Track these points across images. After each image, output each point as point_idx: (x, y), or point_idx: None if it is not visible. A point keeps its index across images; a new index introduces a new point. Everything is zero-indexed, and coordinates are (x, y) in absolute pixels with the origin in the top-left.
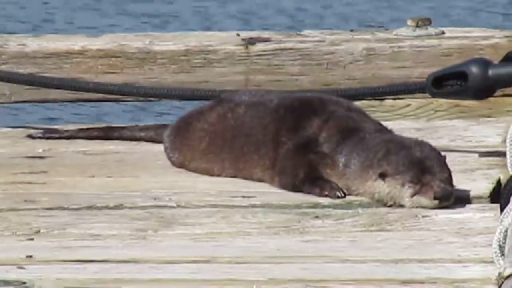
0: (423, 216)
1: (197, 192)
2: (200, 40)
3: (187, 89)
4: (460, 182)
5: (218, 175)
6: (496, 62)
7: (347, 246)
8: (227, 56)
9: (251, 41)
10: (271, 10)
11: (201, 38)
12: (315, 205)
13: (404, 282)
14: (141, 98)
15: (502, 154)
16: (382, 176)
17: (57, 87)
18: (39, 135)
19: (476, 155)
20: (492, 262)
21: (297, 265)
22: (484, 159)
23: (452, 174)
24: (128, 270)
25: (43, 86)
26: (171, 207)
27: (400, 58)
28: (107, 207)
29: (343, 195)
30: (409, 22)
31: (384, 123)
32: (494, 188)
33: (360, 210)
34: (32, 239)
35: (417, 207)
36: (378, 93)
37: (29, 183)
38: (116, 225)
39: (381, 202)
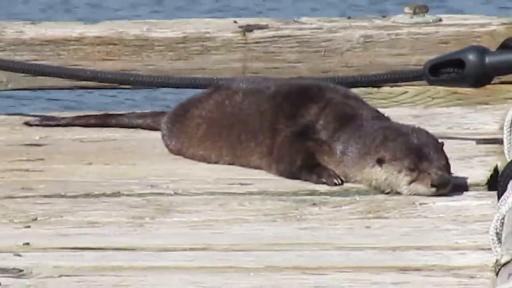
0: (421, 204)
1: (195, 179)
2: (198, 28)
3: (185, 77)
4: (457, 170)
5: (216, 163)
6: (493, 49)
7: (344, 233)
8: (225, 43)
9: (248, 28)
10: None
11: (199, 25)
12: (313, 193)
13: (401, 269)
14: (138, 86)
15: (499, 141)
16: (380, 162)
17: (55, 75)
18: (36, 122)
19: (474, 142)
20: (489, 249)
21: (294, 252)
22: (481, 146)
23: (450, 161)
24: (125, 258)
25: (40, 74)
26: (168, 194)
27: (397, 46)
28: (104, 195)
29: (340, 182)
30: (406, 9)
31: (382, 110)
32: (491, 176)
33: (357, 197)
34: (29, 227)
35: (414, 194)
36: (376, 80)
37: (26, 170)
38: (113, 213)
39: (379, 189)
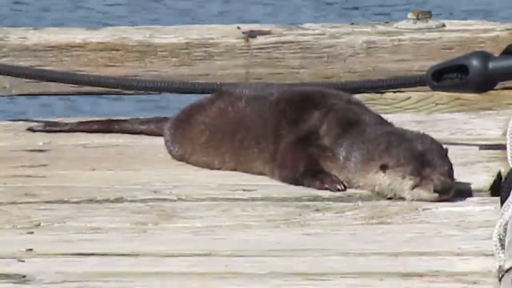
0: (424, 209)
1: (198, 185)
2: (201, 33)
3: (187, 82)
4: (460, 175)
5: (219, 169)
6: (496, 55)
7: (347, 239)
8: (228, 49)
9: (251, 34)
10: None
11: (202, 31)
12: (316, 198)
13: (404, 275)
14: (141, 91)
15: (503, 147)
16: (383, 168)
17: (58, 80)
18: (39, 128)
19: (477, 148)
20: (492, 255)
21: (298, 258)
22: (484, 152)
23: (453, 167)
24: (128, 263)
25: (43, 79)
26: (171, 200)
27: (400, 51)
28: (108, 201)
29: (343, 188)
30: (409, 15)
31: (385, 116)
32: (494, 181)
33: (360, 203)
34: (32, 233)
35: (417, 199)
36: (379, 86)
37: (29, 176)
38: (117, 219)
39: (382, 195)
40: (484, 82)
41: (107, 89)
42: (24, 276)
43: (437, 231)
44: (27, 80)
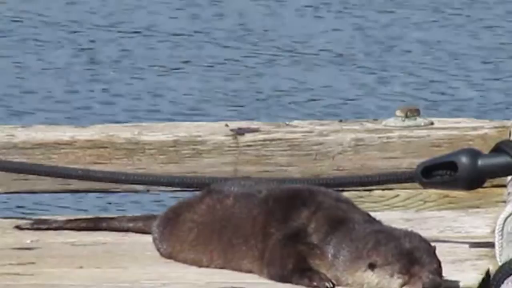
0: None
1: (186, 283)
2: (189, 131)
3: (176, 176)
4: (449, 273)
5: (207, 266)
6: (485, 152)
7: None
8: (216, 146)
9: (240, 132)
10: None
11: (190, 128)
12: None
13: None
14: (128, 189)
15: (491, 245)
16: (372, 266)
17: (45, 174)
18: (27, 226)
19: (465, 245)
20: None
21: None
22: (473, 250)
23: (442, 264)
24: None
25: (30, 173)
26: None
27: (389, 149)
28: None
29: (332, 286)
30: (397, 113)
31: (373, 214)
32: (483, 279)
33: None
34: None
35: None
36: (367, 182)
37: (17, 274)
38: None
39: None
40: (473, 180)
41: (94, 185)
42: None
43: None
44: (15, 177)
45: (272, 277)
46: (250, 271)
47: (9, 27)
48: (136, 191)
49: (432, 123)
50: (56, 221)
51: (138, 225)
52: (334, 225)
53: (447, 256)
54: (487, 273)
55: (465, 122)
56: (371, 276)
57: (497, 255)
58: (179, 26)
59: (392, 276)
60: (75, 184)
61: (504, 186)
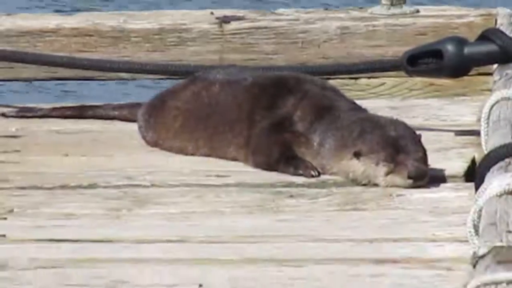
0: (398, 195)
1: (171, 171)
2: (174, 19)
3: (161, 64)
4: (434, 161)
5: (192, 154)
6: (471, 40)
7: (321, 226)
8: (201, 34)
9: (225, 20)
10: None
11: (175, 16)
12: (290, 184)
13: (379, 261)
14: (113, 77)
15: (477, 133)
16: (357, 155)
17: (31, 62)
18: (12, 113)
19: (451, 134)
20: (466, 241)
21: (272, 245)
22: (458, 138)
23: (427, 153)
24: (102, 250)
25: (17, 61)
26: (145, 186)
27: (374, 37)
28: (81, 187)
29: (317, 174)
30: (383, 1)
31: (359, 102)
32: (468, 167)
33: (334, 189)
34: (5, 218)
35: (391, 186)
36: (353, 70)
37: (2, 162)
38: (90, 205)
39: (356, 181)
40: (459, 67)
41: (79, 73)
42: None
43: (411, 217)
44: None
45: (257, 165)
46: (235, 159)
47: None
48: (121, 79)
49: (417, 11)
50: (41, 109)
51: (124, 113)
52: (320, 113)
53: (432, 144)
54: (473, 161)
55: (450, 10)
56: (356, 165)
57: (483, 143)
58: None
59: (377, 164)
60: (61, 71)
61: (490, 74)
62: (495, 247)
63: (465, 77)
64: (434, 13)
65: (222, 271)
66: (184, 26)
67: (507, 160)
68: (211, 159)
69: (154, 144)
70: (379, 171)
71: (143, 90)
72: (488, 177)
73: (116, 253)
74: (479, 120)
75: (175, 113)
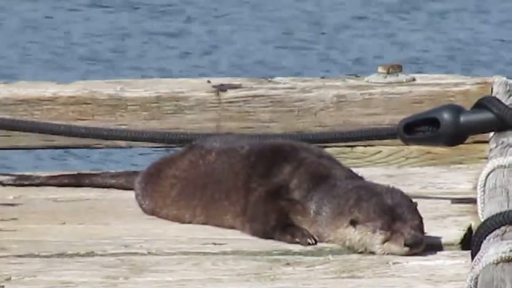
0: (394, 263)
1: (168, 239)
2: (171, 87)
3: (158, 132)
4: (431, 229)
5: (189, 222)
6: (467, 108)
7: None
8: (198, 102)
9: (222, 88)
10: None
11: (172, 85)
12: (286, 252)
13: None
14: (110, 145)
15: (473, 201)
16: (353, 223)
17: (30, 130)
18: (10, 182)
19: (447, 202)
20: None
21: None
22: (455, 206)
23: (423, 221)
24: None
25: (14, 129)
26: (142, 254)
27: (371, 105)
28: (78, 255)
29: (314, 242)
30: (380, 69)
31: (355, 170)
32: (465, 235)
33: (331, 257)
34: (3, 287)
35: (387, 254)
36: (350, 138)
37: (0, 230)
38: (87, 273)
39: (352, 249)
40: (455, 136)
41: (77, 141)
42: None
43: (408, 285)
44: None
45: (254, 233)
46: (232, 227)
47: None
48: (119, 147)
49: (414, 79)
50: (38, 177)
51: (121, 181)
52: (316, 181)
53: (429, 212)
54: (469, 229)
55: (447, 79)
56: (353, 233)
57: (479, 211)
58: None
59: (374, 232)
60: (58, 140)
61: (486, 142)
62: None
63: (462, 145)
64: (430, 81)
65: None
66: (181, 95)
67: (503, 228)
68: (208, 227)
69: (151, 212)
70: (376, 239)
71: (140, 158)
72: (485, 245)
73: None
74: (475, 188)
75: (172, 181)
